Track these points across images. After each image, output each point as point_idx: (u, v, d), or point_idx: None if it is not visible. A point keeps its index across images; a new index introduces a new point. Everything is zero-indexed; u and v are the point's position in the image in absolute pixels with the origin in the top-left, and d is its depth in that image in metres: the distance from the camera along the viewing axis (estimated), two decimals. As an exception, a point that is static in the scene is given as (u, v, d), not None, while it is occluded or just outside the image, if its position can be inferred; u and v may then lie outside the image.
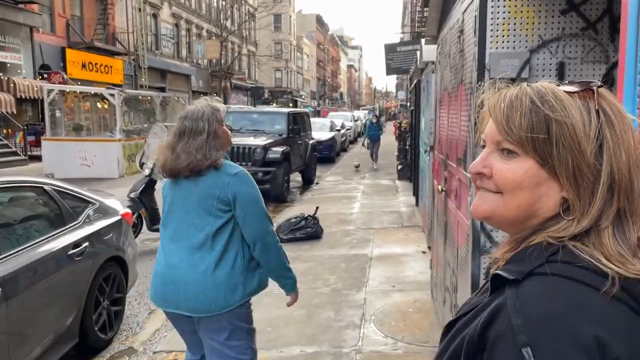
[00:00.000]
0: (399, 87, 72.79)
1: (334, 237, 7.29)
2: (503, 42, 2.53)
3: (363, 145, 16.88)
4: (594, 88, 0.76)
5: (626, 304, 0.67)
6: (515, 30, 2.51)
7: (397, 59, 20.49)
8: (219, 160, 2.33)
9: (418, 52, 7.83)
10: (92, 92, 15.97)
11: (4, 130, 18.46)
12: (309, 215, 7.31)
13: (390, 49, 20.94)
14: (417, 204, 9.25)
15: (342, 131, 23.36)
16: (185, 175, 2.34)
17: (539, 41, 2.51)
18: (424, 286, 5.09)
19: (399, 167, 14.14)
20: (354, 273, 5.67)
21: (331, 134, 19.49)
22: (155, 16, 31.67)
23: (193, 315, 2.36)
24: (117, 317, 4.44)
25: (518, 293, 0.68)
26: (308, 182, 13.61)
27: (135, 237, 7.17)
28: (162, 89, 30.74)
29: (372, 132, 16.79)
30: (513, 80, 2.55)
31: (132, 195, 7.00)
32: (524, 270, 0.70)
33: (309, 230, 7.14)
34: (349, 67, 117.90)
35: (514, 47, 2.53)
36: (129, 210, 4.87)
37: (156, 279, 2.46)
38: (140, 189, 6.98)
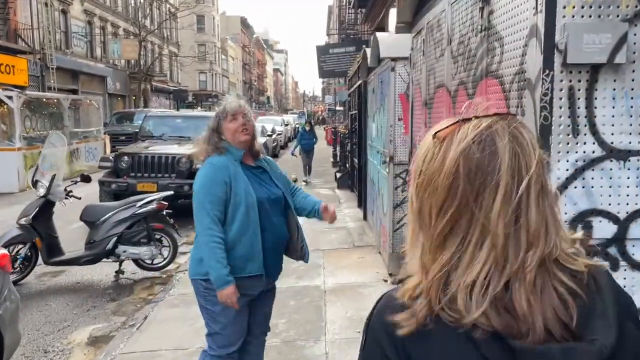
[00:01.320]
0: (326, 92, 72.76)
1: (277, 263, 6.21)
2: (583, 6, 1.61)
3: (293, 154, 15.30)
4: None
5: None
6: (601, -12, 1.60)
7: (330, 62, 19.73)
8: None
9: (368, 50, 6.96)
10: (-15, 94, 13.81)
11: None
12: (247, 239, 6.20)
13: (322, 51, 20.14)
14: (365, 217, 8.36)
15: (274, 136, 22.24)
16: None
17: (636, 6, 1.61)
18: (396, 330, 4.13)
19: (338, 174, 13.28)
20: (307, 314, 4.62)
21: (262, 140, 18.33)
22: (64, 12, 29.07)
23: None
24: (-15, 407, 3.13)
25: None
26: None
27: (28, 273, 5.79)
28: (74, 91, 28.17)
29: (306, 142, 14.28)
30: (597, 68, 1.65)
31: (23, 221, 5.56)
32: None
33: (247, 257, 6.03)
34: (275, 70, 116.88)
35: (600, 15, 1.61)
36: (4, 251, 3.55)
37: None
38: (34, 213, 5.55)
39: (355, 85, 9.57)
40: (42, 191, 5.63)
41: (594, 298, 0.73)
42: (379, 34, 5.64)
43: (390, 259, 5.55)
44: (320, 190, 12.26)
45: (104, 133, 19.55)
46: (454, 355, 0.73)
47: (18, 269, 5.70)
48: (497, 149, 0.72)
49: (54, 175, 5.61)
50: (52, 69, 26.02)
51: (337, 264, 6.04)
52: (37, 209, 5.58)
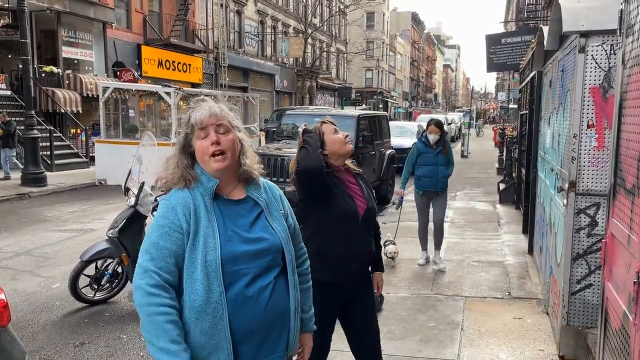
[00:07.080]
0: (500, 88, 67.39)
1: (400, 310, 4.73)
2: None
3: (396, 202, 6.92)
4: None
5: None
6: None
7: (501, 53, 17.26)
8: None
9: (545, 28, 5.09)
10: (149, 91, 14.45)
11: (72, 130, 17.65)
12: (363, 275, 4.80)
13: (492, 41, 17.70)
14: (530, 251, 6.42)
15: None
16: None
17: None
18: None
19: (502, 186, 11.16)
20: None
21: (415, 141, 16.66)
22: (239, 13, 30.50)
23: None
24: None
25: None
26: (383, 201, 11.06)
27: (118, 291, 5.15)
28: (245, 89, 29.46)
29: (425, 169, 6.16)
30: None
31: (110, 233, 4.92)
32: None
33: (361, 299, 4.64)
34: (445, 67, 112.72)
35: None
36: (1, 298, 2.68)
37: None
38: (121, 225, 4.86)
39: (527, 79, 7.55)
40: (132, 200, 4.92)
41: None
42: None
43: (562, 334, 3.72)
44: (478, 205, 10.32)
45: (260, 130, 19.69)
46: None
47: (106, 286, 5.10)
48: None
49: (143, 182, 4.85)
50: (225, 67, 27.37)
51: (483, 324, 4.34)
52: (125, 220, 4.89)
